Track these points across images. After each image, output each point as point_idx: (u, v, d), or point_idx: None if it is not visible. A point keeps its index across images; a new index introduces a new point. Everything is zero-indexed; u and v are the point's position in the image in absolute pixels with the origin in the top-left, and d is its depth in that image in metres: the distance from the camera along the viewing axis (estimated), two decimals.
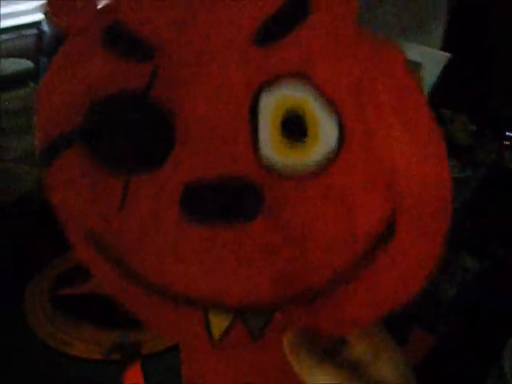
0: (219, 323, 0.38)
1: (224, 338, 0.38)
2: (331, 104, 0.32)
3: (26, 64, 0.88)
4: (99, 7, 0.34)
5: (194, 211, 0.34)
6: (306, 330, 0.37)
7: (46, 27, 0.99)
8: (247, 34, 0.32)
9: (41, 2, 0.38)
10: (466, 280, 1.19)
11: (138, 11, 0.33)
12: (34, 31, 1.05)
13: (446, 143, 0.35)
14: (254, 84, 0.32)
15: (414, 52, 1.30)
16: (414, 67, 1.26)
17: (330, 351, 0.37)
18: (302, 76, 0.32)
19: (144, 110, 0.33)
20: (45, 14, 0.89)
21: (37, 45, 1.03)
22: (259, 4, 0.32)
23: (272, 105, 0.32)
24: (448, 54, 1.35)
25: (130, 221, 0.36)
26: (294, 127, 0.32)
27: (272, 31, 0.32)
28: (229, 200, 0.34)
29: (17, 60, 0.89)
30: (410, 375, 0.37)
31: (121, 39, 0.33)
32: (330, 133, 0.32)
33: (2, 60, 0.87)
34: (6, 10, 1.06)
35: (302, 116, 0.32)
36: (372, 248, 0.34)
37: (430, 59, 1.31)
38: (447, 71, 1.32)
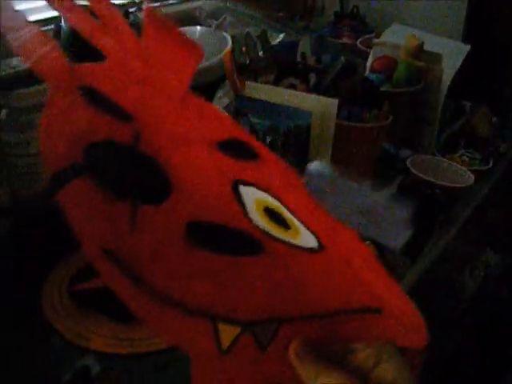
0: (228, 333, 0.39)
1: (232, 348, 0.39)
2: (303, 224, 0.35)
3: None
4: (70, 70, 0.37)
5: (199, 245, 0.37)
6: (311, 340, 0.38)
7: (63, 23, 0.99)
8: (211, 143, 0.35)
9: None
10: (487, 276, 1.18)
11: (109, 84, 0.36)
12: (52, 27, 1.06)
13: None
14: (229, 176, 0.35)
15: (435, 43, 1.29)
16: (435, 58, 1.25)
17: (334, 359, 0.38)
18: (271, 194, 0.35)
19: (137, 158, 0.36)
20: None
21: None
22: (215, 128, 0.35)
23: (251, 197, 0.35)
24: (468, 46, 1.33)
25: (141, 242, 0.38)
26: (278, 219, 0.35)
27: (229, 150, 0.35)
28: (230, 241, 0.36)
29: None
30: (413, 380, 0.38)
31: (97, 99, 0.36)
32: (310, 239, 0.35)
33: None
34: (23, 6, 1.07)
35: (281, 215, 0.35)
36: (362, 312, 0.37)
37: (451, 50, 1.30)
38: (468, 62, 1.31)
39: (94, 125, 0.36)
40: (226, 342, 0.39)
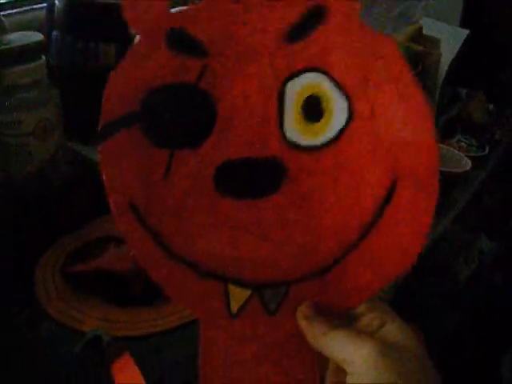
0: (238, 297, 0.41)
1: (241, 312, 0.41)
2: (343, 90, 0.38)
3: (37, 37, 0.86)
4: (167, 15, 0.40)
5: (225, 188, 0.39)
6: (319, 304, 0.40)
7: (56, 0, 0.98)
8: (277, 37, 0.38)
9: None
10: (481, 262, 1.18)
11: (197, 22, 0.40)
12: (45, 4, 1.04)
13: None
14: (282, 77, 0.38)
15: (433, 28, 1.28)
16: (433, 43, 1.24)
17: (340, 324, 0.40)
18: (319, 68, 0.38)
19: (193, 96, 0.39)
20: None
21: (48, 18, 1.02)
22: (288, 11, 0.38)
23: (295, 93, 0.38)
24: (467, 31, 1.33)
25: (171, 190, 0.40)
26: (312, 111, 0.38)
27: (298, 32, 0.38)
28: (255, 176, 0.39)
29: (28, 33, 0.87)
30: (417, 340, 0.39)
31: (181, 41, 0.39)
32: (341, 114, 0.38)
33: (13, 33, 0.86)
34: None
35: (319, 100, 0.38)
36: (377, 213, 0.39)
37: (449, 35, 1.29)
38: (465, 48, 1.30)
39: (164, 69, 0.39)
40: (235, 305, 0.41)
